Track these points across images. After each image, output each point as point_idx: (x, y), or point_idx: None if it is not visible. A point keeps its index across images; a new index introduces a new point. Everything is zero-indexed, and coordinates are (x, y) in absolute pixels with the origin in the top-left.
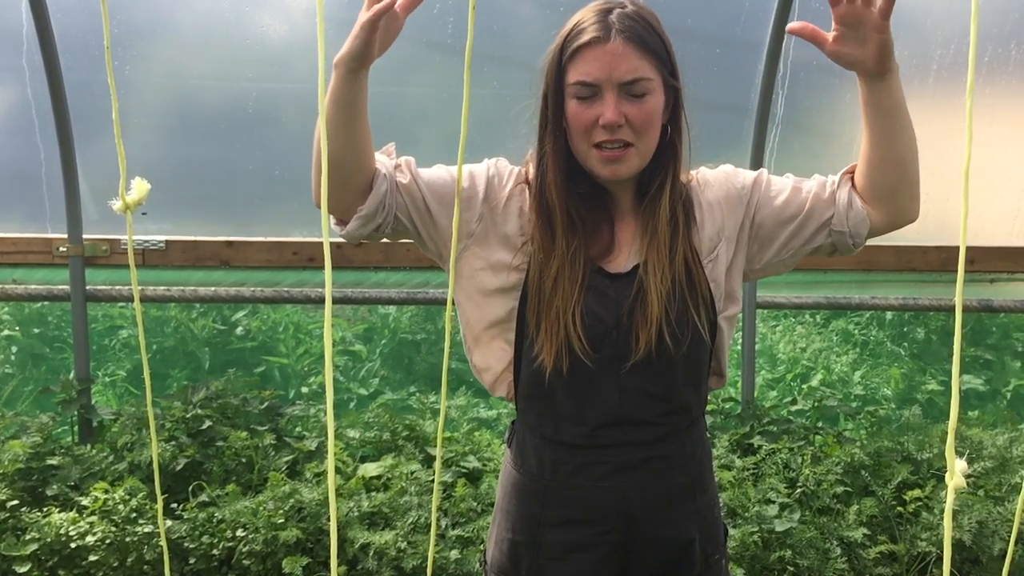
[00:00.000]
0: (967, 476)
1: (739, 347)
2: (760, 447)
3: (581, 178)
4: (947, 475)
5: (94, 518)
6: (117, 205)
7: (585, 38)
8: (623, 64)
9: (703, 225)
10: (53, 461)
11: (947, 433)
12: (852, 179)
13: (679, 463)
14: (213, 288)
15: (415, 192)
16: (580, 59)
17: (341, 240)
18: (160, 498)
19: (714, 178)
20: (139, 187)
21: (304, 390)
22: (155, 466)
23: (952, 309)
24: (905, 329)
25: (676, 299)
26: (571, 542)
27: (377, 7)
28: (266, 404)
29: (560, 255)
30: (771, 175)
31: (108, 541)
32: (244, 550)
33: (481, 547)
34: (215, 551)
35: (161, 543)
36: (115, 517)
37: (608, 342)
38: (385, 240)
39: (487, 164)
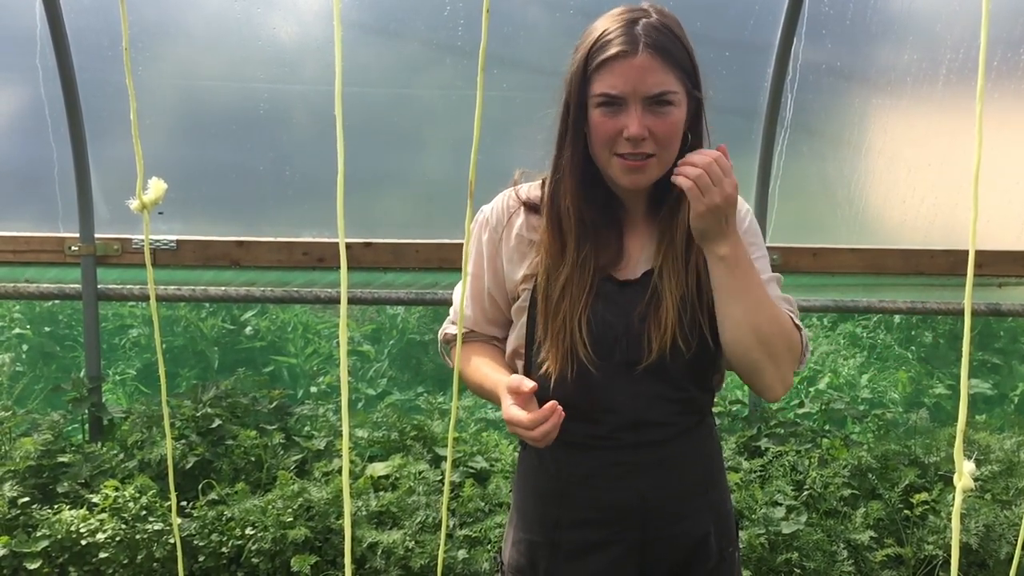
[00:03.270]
0: (974, 479)
1: None
2: (767, 449)
3: (596, 186)
4: (955, 476)
5: (104, 515)
6: (134, 204)
7: (612, 51)
8: (649, 78)
9: None
10: (64, 459)
11: (954, 436)
12: None
13: (692, 459)
14: (223, 288)
15: (488, 330)
16: (606, 71)
17: (351, 240)
18: (173, 495)
19: (748, 224)
20: (156, 187)
21: (313, 390)
22: (169, 464)
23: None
24: (913, 333)
25: (688, 306)
26: (589, 542)
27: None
28: (275, 403)
29: (571, 263)
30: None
31: (118, 538)
32: (253, 548)
33: (489, 547)
34: (224, 549)
35: (172, 540)
36: (125, 515)
37: (619, 347)
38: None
39: (475, 235)
